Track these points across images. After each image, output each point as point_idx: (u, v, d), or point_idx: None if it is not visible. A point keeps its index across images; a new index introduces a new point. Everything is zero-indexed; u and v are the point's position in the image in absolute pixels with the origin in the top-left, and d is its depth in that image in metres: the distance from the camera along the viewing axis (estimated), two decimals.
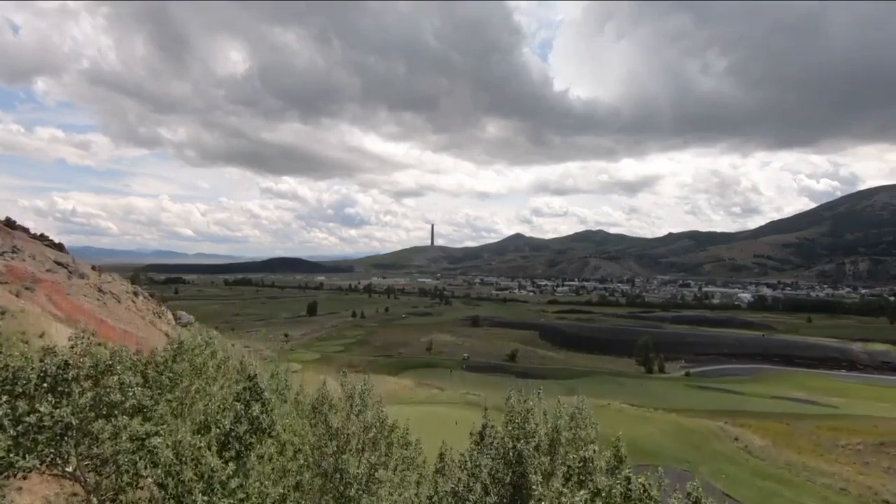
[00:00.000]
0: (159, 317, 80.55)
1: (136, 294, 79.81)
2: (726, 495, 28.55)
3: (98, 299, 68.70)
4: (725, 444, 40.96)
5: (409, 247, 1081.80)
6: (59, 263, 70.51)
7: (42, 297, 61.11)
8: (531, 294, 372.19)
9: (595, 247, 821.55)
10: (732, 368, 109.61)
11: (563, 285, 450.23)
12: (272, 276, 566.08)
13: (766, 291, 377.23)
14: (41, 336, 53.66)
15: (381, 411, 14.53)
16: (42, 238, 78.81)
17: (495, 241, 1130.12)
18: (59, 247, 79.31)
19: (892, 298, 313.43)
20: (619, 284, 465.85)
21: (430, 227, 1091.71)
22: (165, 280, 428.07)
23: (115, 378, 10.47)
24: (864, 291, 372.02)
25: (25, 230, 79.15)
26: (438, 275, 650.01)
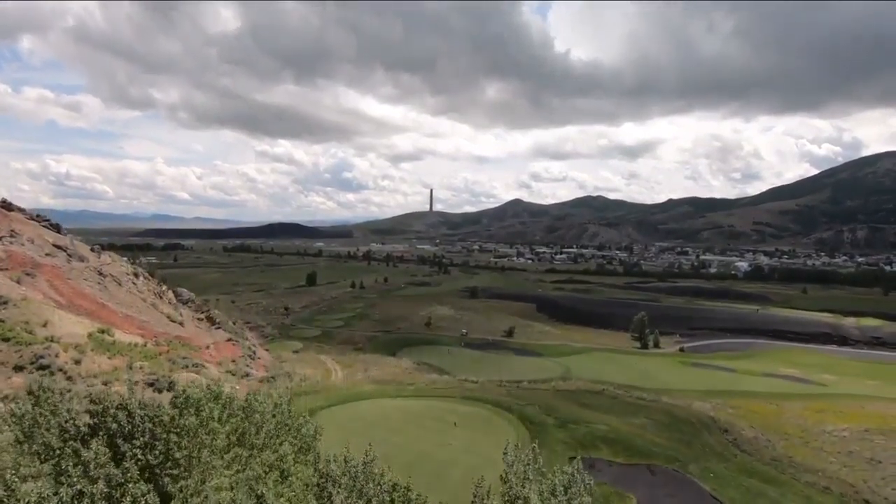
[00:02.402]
0: (160, 297, 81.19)
1: (136, 275, 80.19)
2: (714, 498, 29.74)
3: (99, 283, 69.03)
4: (715, 436, 42.26)
5: (407, 212, 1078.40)
6: (57, 247, 70.47)
7: (43, 284, 61.44)
8: (529, 262, 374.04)
9: (594, 213, 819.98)
10: (726, 344, 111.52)
11: (561, 252, 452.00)
12: (271, 241, 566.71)
13: (763, 260, 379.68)
14: (45, 325, 54.15)
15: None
16: (39, 219, 78.45)
17: (494, 206, 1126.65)
18: (57, 228, 79.08)
19: (887, 268, 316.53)
20: (618, 252, 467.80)
21: (428, 191, 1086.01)
22: (164, 246, 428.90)
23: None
24: (860, 260, 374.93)
25: (22, 210, 78.72)
26: (437, 241, 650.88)
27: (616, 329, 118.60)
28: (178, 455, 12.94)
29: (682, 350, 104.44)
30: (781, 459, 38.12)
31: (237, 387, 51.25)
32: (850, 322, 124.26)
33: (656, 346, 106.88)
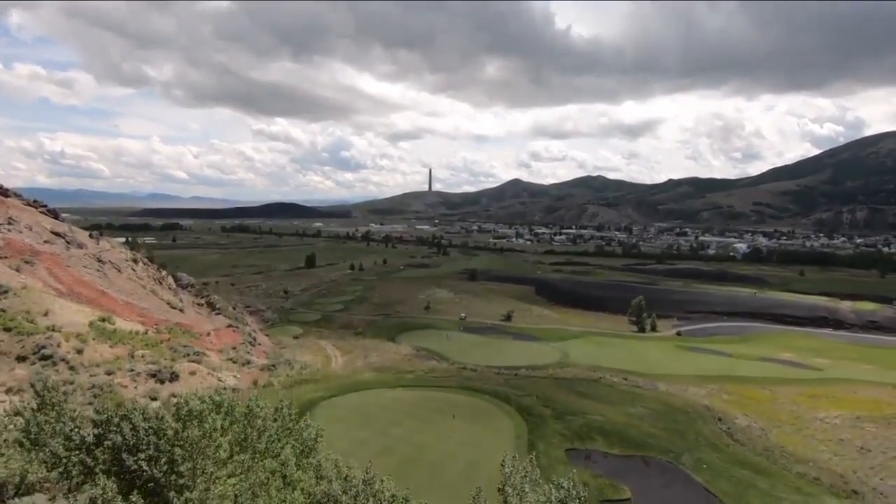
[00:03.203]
0: (160, 283, 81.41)
1: (135, 261, 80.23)
2: (706, 490, 30.41)
3: (98, 270, 69.11)
4: (709, 426, 42.95)
5: (406, 191, 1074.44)
6: (56, 233, 70.30)
7: (42, 271, 61.47)
8: (528, 243, 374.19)
9: (594, 193, 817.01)
10: (723, 327, 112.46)
11: (560, 233, 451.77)
12: (269, 222, 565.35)
13: (762, 241, 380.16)
14: (45, 314, 54.36)
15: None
16: (36, 205, 78.08)
17: (493, 185, 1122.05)
18: (54, 214, 78.77)
19: (885, 249, 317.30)
20: (617, 233, 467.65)
21: (427, 171, 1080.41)
22: (162, 226, 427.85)
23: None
24: (859, 241, 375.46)
25: (19, 196, 78.27)
26: (436, 221, 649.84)
27: (614, 312, 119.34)
28: (182, 469, 13.16)
29: (679, 334, 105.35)
30: (773, 449, 38.86)
31: (238, 375, 51.81)
32: (846, 306, 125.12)
33: (653, 329, 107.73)
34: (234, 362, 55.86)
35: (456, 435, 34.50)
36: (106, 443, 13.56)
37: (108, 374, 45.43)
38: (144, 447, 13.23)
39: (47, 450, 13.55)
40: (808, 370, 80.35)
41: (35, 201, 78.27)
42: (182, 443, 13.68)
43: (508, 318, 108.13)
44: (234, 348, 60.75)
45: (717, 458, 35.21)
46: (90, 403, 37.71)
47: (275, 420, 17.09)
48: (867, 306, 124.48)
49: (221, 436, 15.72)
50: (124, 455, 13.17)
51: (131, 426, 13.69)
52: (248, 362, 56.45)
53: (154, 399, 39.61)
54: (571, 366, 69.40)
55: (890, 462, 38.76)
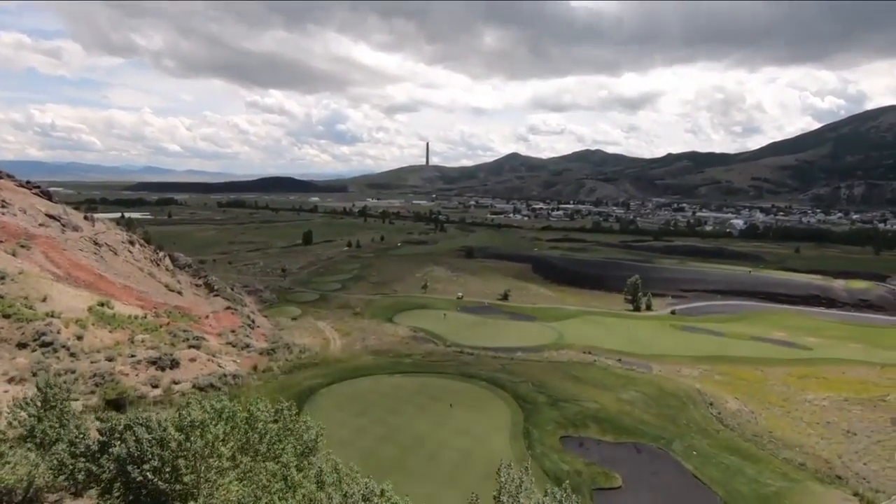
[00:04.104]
0: (157, 264, 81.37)
1: (132, 243, 79.97)
2: (695, 477, 31.40)
3: (95, 253, 68.94)
4: (700, 410, 43.98)
5: (403, 165, 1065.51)
6: (50, 216, 69.81)
7: (39, 256, 61.34)
8: (525, 219, 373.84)
9: (592, 167, 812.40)
10: (718, 306, 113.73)
11: (558, 209, 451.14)
12: (265, 196, 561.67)
13: (759, 217, 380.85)
14: (44, 300, 54.45)
15: None
16: (29, 186, 77.28)
17: (491, 160, 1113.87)
18: (48, 195, 78.07)
19: (881, 226, 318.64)
20: (615, 208, 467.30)
21: (424, 144, 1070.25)
22: (157, 201, 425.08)
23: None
24: (855, 217, 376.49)
25: (11, 178, 77.38)
26: (434, 196, 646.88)
27: (610, 290, 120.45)
28: (186, 479, 13.55)
29: (673, 312, 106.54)
30: (762, 434, 39.94)
31: (237, 360, 52.43)
32: (839, 284, 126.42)
33: (648, 308, 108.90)
34: (234, 346, 56.42)
35: (453, 422, 35.31)
36: (111, 450, 13.89)
37: (109, 360, 45.85)
38: (149, 458, 13.57)
39: (54, 458, 13.93)
40: (799, 350, 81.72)
41: (28, 182, 77.47)
42: (185, 453, 14.01)
43: (505, 297, 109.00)
44: (233, 331, 61.24)
45: (706, 444, 36.24)
46: (92, 392, 38.29)
47: (275, 421, 17.50)
48: (859, 285, 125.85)
49: (223, 444, 16.12)
50: (129, 468, 13.53)
51: (135, 439, 14.01)
52: (248, 346, 57.02)
53: (155, 387, 40.20)
54: (567, 347, 70.36)
55: (873, 446, 39.96)
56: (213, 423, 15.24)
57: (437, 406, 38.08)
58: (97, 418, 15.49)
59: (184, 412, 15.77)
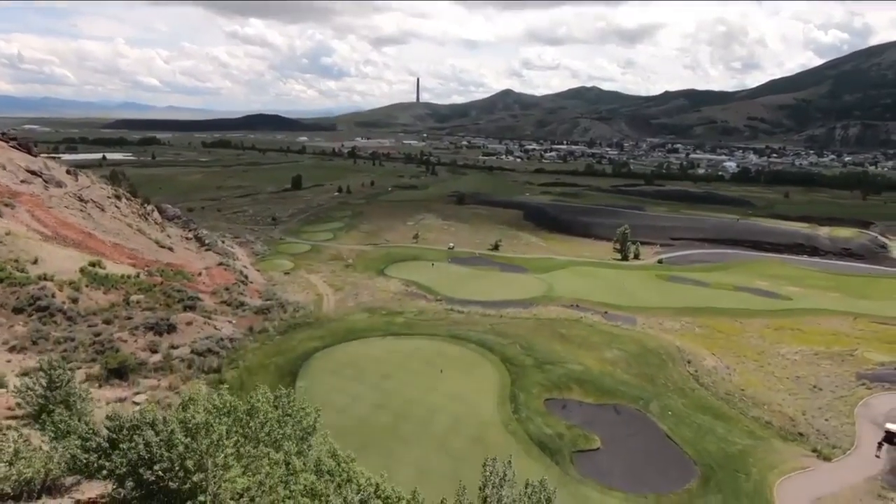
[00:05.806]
0: (146, 219, 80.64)
1: (118, 197, 78.76)
2: (668, 437, 33.76)
3: (81, 210, 68.03)
4: (678, 368, 46.36)
5: (393, 102, 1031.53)
6: (31, 172, 68.13)
7: (24, 214, 60.52)
8: (518, 161, 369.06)
9: (587, 105, 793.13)
10: (704, 254, 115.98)
11: (551, 150, 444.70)
12: (251, 135, 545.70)
13: (752, 159, 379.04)
14: (35, 262, 54.38)
15: None
16: (6, 138, 74.60)
17: (484, 96, 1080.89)
18: (27, 148, 75.65)
19: (872, 168, 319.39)
20: (608, 149, 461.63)
21: (414, 80, 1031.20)
22: (139, 140, 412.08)
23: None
24: (847, 160, 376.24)
25: None
26: (425, 135, 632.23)
27: (600, 238, 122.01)
28: (195, 479, 14.66)
29: (660, 262, 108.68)
30: (734, 392, 42.48)
31: (233, 321, 53.52)
32: (823, 232, 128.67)
33: (636, 257, 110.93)
34: (229, 305, 57.35)
35: (443, 388, 37.09)
36: (122, 446, 14.86)
37: (107, 322, 46.63)
38: (158, 459, 14.56)
39: (67, 451, 14.93)
40: (779, 300, 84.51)
41: (4, 134, 74.75)
42: (192, 454, 15.02)
43: (496, 247, 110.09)
44: (226, 289, 61.97)
45: (682, 404, 38.61)
46: (93, 360, 39.28)
47: (275, 407, 18.58)
48: (843, 233, 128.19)
49: (227, 439, 17.22)
50: (141, 470, 14.54)
51: (144, 442, 14.92)
52: (242, 304, 57.97)
53: (154, 352, 41.32)
54: (555, 300, 72.31)
55: (836, 401, 42.76)
56: (217, 421, 16.20)
57: (428, 370, 39.82)
58: (107, 416, 16.32)
59: (188, 414, 16.69)
